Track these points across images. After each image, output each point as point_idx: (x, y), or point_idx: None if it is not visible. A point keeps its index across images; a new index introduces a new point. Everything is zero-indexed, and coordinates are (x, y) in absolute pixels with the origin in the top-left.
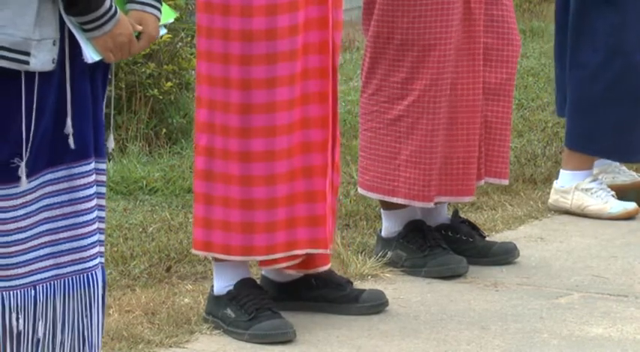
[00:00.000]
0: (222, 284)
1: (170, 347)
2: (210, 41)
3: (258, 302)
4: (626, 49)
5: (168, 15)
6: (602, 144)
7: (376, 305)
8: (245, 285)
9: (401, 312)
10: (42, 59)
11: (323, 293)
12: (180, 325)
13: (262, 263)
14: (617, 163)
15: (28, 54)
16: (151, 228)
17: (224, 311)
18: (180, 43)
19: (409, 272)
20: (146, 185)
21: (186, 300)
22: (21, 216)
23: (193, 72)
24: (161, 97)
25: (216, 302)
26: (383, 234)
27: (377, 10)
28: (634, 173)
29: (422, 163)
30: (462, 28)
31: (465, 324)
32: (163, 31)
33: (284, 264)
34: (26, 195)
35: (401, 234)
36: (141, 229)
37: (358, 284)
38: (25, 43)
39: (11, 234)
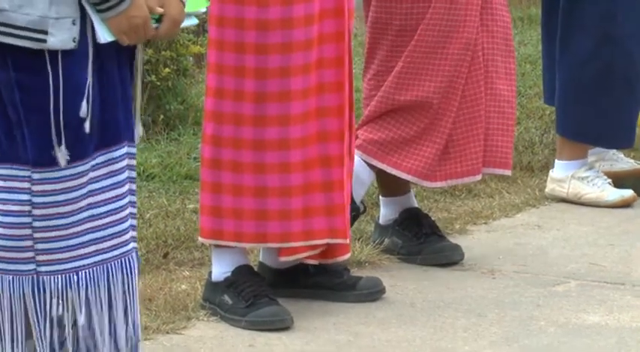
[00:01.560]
0: (219, 270)
1: (167, 333)
2: (222, 30)
3: (255, 288)
4: (617, 36)
5: (198, 3)
6: (591, 131)
7: (373, 292)
8: (243, 272)
9: (397, 299)
10: (60, 37)
11: (320, 280)
12: (178, 311)
13: (283, 252)
14: (614, 150)
15: (45, 32)
16: (149, 215)
17: (221, 298)
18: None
19: (405, 260)
20: (143, 171)
21: (183, 287)
22: (62, 201)
23: (191, 58)
24: (159, 83)
25: (214, 289)
26: (381, 221)
27: None
28: (631, 160)
29: (418, 146)
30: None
31: (462, 312)
32: (194, 21)
33: (304, 254)
34: (67, 180)
35: (397, 222)
36: (138, 215)
37: (355, 271)
38: (42, 21)
39: (52, 219)
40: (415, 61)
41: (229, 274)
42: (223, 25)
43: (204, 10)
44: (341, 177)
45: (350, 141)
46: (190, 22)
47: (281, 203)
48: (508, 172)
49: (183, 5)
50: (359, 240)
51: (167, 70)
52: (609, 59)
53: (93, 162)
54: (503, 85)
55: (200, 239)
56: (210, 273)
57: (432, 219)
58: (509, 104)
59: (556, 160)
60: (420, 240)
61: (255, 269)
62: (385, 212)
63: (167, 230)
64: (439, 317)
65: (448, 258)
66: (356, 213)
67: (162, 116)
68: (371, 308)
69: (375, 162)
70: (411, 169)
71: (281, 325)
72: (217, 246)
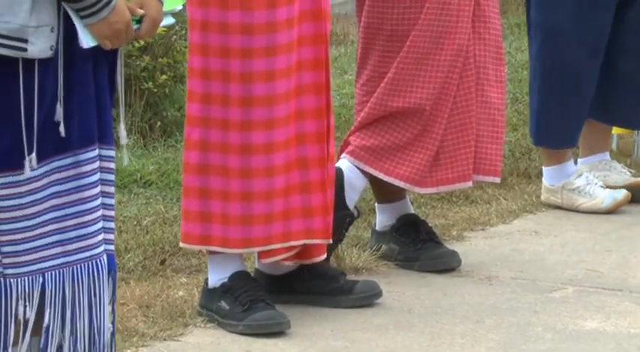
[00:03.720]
0: (216, 276)
1: (164, 340)
2: (205, 34)
3: (252, 293)
4: (546, 26)
5: (173, 2)
6: (540, 131)
7: (370, 295)
8: (239, 278)
9: (395, 306)
10: (40, 46)
11: (316, 285)
12: (175, 318)
13: (262, 255)
14: (608, 159)
15: (25, 41)
16: (146, 221)
17: (218, 304)
18: (174, 36)
19: (403, 266)
20: (140, 178)
21: (180, 293)
22: (26, 203)
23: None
24: (156, 90)
25: (211, 295)
26: (377, 227)
27: (368, 1)
28: (626, 170)
29: (410, 152)
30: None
31: (459, 318)
32: (171, 20)
33: (282, 256)
34: (31, 182)
35: (394, 228)
36: (135, 222)
37: (352, 278)
38: (22, 30)
39: (17, 222)
40: (407, 67)
41: (226, 280)
42: (207, 29)
43: (180, 7)
44: (319, 178)
45: (328, 143)
46: (168, 22)
47: (266, 207)
48: (497, 179)
49: (162, 5)
50: (356, 246)
51: (164, 76)
52: (539, 51)
53: (59, 163)
54: (493, 93)
55: (183, 244)
56: (206, 280)
57: (430, 225)
58: (499, 112)
59: (543, 167)
60: (418, 247)
61: (252, 275)
62: (381, 218)
63: (164, 237)
64: (436, 324)
65: (445, 264)
66: (351, 218)
67: (159, 123)
68: (368, 314)
69: (367, 168)
70: (402, 176)
71: (278, 328)
72: (213, 253)
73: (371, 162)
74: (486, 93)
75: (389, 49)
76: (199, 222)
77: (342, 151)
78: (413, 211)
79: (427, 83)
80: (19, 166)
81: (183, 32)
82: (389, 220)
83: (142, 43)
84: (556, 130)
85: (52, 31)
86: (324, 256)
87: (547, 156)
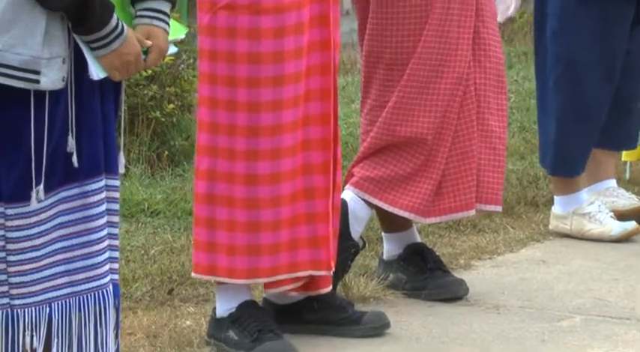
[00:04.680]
0: (224, 306)
1: None
2: (213, 64)
3: (260, 323)
4: (564, 56)
5: (177, 31)
6: (546, 157)
7: (378, 326)
8: (247, 307)
9: (402, 335)
10: (52, 78)
11: (324, 315)
12: (183, 348)
13: (268, 285)
14: (615, 185)
15: (38, 73)
16: (153, 251)
17: (226, 334)
18: (182, 65)
19: (410, 295)
20: (148, 207)
21: (188, 323)
22: (35, 234)
23: (195, 94)
24: (163, 119)
25: (219, 325)
26: (384, 256)
27: (368, 29)
28: (634, 196)
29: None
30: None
31: (467, 347)
32: (174, 49)
33: (289, 286)
34: (40, 213)
35: (401, 257)
36: (143, 251)
37: (360, 307)
38: (34, 61)
39: (25, 252)
40: (408, 96)
41: (234, 310)
42: (216, 59)
43: (183, 36)
44: (325, 209)
45: (335, 173)
46: (171, 51)
47: (272, 237)
48: (499, 208)
49: (168, 34)
50: (364, 275)
51: (171, 105)
52: (556, 82)
53: (66, 194)
54: (494, 121)
55: (194, 274)
56: (214, 309)
57: (437, 254)
58: (500, 140)
59: (554, 196)
60: (425, 275)
61: (260, 304)
62: (388, 247)
63: (172, 266)
64: None
65: (453, 292)
66: (355, 249)
67: (166, 152)
68: (376, 343)
69: (371, 199)
70: (407, 206)
71: None
72: (220, 282)
73: (375, 194)
74: (487, 121)
75: (389, 77)
76: (206, 251)
77: (346, 182)
78: (419, 240)
79: (428, 112)
80: (28, 198)
81: (191, 61)
82: (396, 249)
83: (150, 72)
84: (575, 159)
85: (63, 63)
86: (330, 288)
87: (562, 185)
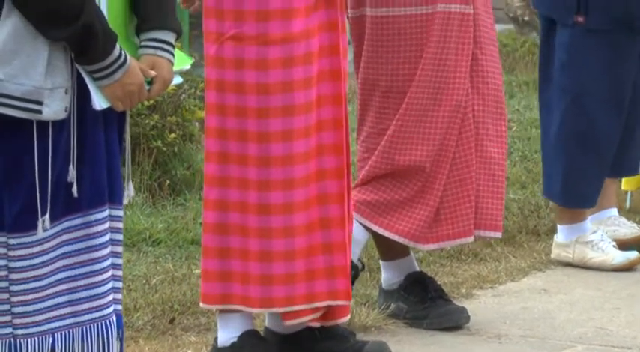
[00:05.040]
0: (226, 336)
1: None
2: (221, 94)
3: None
4: (571, 88)
5: (183, 61)
6: (555, 189)
7: None
8: (249, 337)
9: None
10: (54, 108)
11: (326, 345)
12: None
13: (286, 316)
14: (616, 214)
15: (40, 103)
16: (155, 280)
17: None
18: (183, 95)
19: (412, 324)
20: (149, 236)
21: None
22: (38, 264)
23: (197, 123)
24: (165, 149)
25: None
26: (384, 285)
27: (364, 56)
28: (635, 225)
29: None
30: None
31: None
32: (179, 80)
33: (308, 317)
34: (43, 243)
35: (402, 286)
36: (144, 281)
37: (362, 336)
38: (37, 92)
39: (29, 282)
40: (406, 124)
41: (235, 339)
42: (224, 89)
43: (188, 67)
44: (341, 239)
45: (349, 203)
46: (176, 81)
47: (286, 267)
48: (498, 234)
49: (172, 64)
50: (365, 304)
51: (173, 135)
52: (563, 113)
53: (69, 224)
54: (493, 148)
55: (203, 305)
56: (216, 339)
57: (438, 283)
58: (499, 166)
59: (558, 225)
60: (426, 305)
61: (262, 334)
62: (387, 276)
63: (173, 295)
64: None
65: (454, 321)
66: (355, 271)
67: (168, 181)
68: None
69: (367, 223)
70: (403, 231)
71: None
72: (223, 311)
73: (371, 218)
74: (486, 148)
75: (385, 105)
76: (219, 281)
77: None
78: (418, 268)
79: (427, 141)
80: (31, 227)
81: (192, 91)
82: (395, 278)
83: (151, 101)
84: (587, 191)
85: (66, 93)
86: (348, 317)
87: (568, 214)
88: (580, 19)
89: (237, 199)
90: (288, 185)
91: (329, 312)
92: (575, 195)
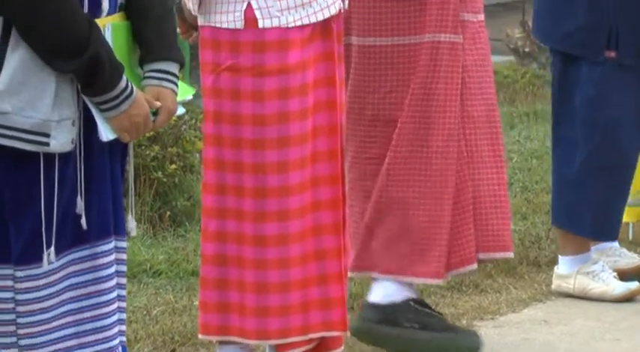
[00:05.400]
0: None
1: None
2: (218, 125)
3: None
4: (603, 122)
5: (185, 92)
6: (581, 222)
7: None
8: None
9: None
10: (61, 140)
11: None
12: None
13: (280, 348)
14: (617, 245)
15: (47, 135)
16: (155, 311)
17: None
18: (184, 126)
19: None
20: (150, 267)
21: None
22: (44, 296)
23: (198, 154)
24: (165, 180)
25: None
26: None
27: (350, 85)
28: (636, 255)
29: (397, 241)
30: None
31: None
32: (182, 110)
33: (302, 348)
34: (50, 275)
35: None
36: (145, 312)
37: None
38: (44, 124)
39: (35, 315)
40: (400, 156)
41: None
42: (221, 120)
43: (190, 97)
44: (337, 270)
45: (344, 235)
46: (179, 111)
47: (281, 299)
48: (509, 254)
49: (176, 95)
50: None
51: (173, 166)
52: (595, 147)
53: (75, 255)
54: (491, 169)
55: (202, 336)
56: None
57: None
58: (500, 186)
59: (560, 256)
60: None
61: None
62: None
63: (174, 326)
64: None
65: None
66: None
67: (168, 212)
68: None
69: (400, 278)
70: (428, 273)
71: None
72: (222, 343)
73: (355, 267)
74: (483, 171)
75: (372, 133)
76: (217, 312)
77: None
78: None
79: (423, 176)
80: (38, 259)
81: (193, 122)
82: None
83: (152, 132)
84: (617, 223)
85: (72, 125)
86: (342, 348)
87: (573, 245)
88: (612, 55)
89: (234, 230)
90: (283, 216)
91: (322, 343)
92: (607, 227)
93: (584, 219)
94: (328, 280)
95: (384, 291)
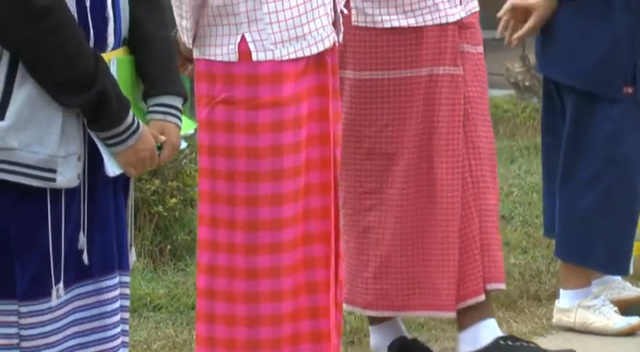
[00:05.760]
0: None
1: None
2: (212, 158)
3: None
4: (620, 159)
5: (188, 126)
6: (593, 256)
7: None
8: None
9: None
10: (67, 176)
11: None
12: None
13: None
14: (619, 279)
15: (54, 171)
16: (155, 345)
17: None
18: (184, 160)
19: None
20: (150, 302)
21: None
22: (49, 332)
23: (197, 188)
24: (166, 214)
25: None
26: (372, 349)
27: (344, 119)
28: (638, 288)
29: (391, 274)
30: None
31: None
32: (184, 144)
33: None
34: (55, 310)
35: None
36: (145, 346)
37: None
38: (51, 160)
39: (39, 350)
40: (408, 191)
41: None
42: (215, 153)
43: (192, 132)
44: (326, 303)
45: (337, 268)
46: (182, 146)
47: (273, 332)
48: (502, 286)
49: (180, 129)
50: None
51: (174, 200)
52: (612, 182)
53: (80, 291)
54: (492, 195)
55: None
56: None
57: (431, 349)
58: (496, 212)
59: (561, 290)
60: None
61: None
62: (375, 340)
63: None
64: None
65: None
66: None
67: (169, 246)
68: None
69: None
70: (437, 306)
71: None
72: None
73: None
74: (487, 200)
75: (368, 167)
76: (207, 346)
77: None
78: (405, 332)
79: (432, 209)
80: (43, 295)
81: (193, 156)
82: (383, 340)
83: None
84: (629, 258)
85: (78, 160)
86: None
87: (575, 279)
88: (630, 91)
89: (225, 264)
90: (275, 249)
91: None
92: (621, 263)
93: (597, 252)
94: (318, 313)
95: (472, 339)
